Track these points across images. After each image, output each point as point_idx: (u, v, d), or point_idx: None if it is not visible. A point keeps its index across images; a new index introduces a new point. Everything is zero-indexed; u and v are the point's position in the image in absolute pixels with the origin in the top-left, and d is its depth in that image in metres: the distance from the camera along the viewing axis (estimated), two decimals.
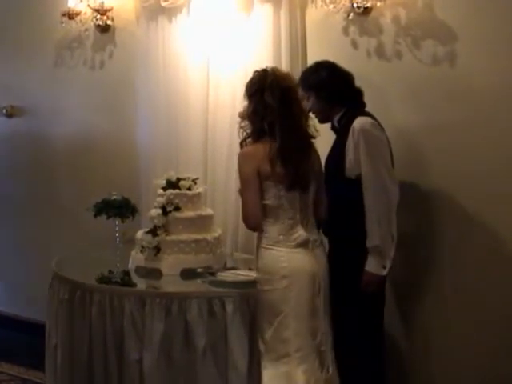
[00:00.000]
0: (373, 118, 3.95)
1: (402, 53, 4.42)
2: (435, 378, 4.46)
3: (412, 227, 4.37)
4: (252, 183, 3.56)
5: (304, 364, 3.58)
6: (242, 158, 3.64)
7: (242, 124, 3.74)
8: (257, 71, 3.73)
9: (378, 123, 3.94)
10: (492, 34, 4.13)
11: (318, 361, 3.63)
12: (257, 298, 3.71)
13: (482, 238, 4.25)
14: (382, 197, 3.81)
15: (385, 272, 3.85)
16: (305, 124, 3.71)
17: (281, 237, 3.60)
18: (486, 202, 4.21)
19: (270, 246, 3.60)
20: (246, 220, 3.63)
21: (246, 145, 3.73)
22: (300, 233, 3.63)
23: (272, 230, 3.61)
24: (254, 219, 3.60)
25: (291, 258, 3.58)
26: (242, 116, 3.74)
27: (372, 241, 3.80)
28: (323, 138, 4.06)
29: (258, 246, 3.68)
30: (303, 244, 3.62)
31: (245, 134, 3.74)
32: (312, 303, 3.61)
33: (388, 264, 3.84)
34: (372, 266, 3.83)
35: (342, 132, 3.97)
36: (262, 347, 3.63)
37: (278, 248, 3.59)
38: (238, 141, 3.78)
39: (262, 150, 3.58)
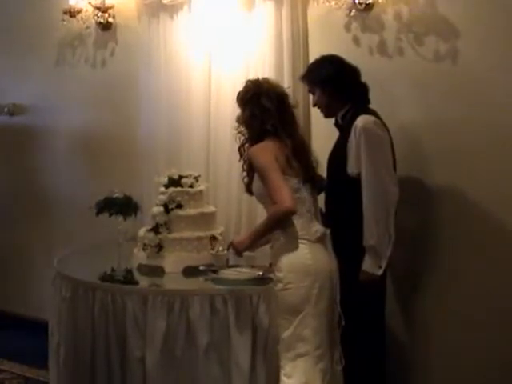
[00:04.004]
0: (376, 116, 3.93)
1: (404, 49, 4.42)
2: (435, 369, 4.48)
3: (414, 223, 4.38)
4: (277, 168, 3.48)
5: (321, 362, 3.54)
6: (258, 151, 3.58)
7: (239, 129, 3.75)
8: (250, 80, 3.78)
9: (382, 121, 3.92)
10: (494, 31, 4.13)
11: (331, 356, 3.62)
12: (274, 297, 3.63)
13: (483, 233, 4.26)
14: (381, 196, 3.79)
15: (380, 272, 3.83)
16: (299, 129, 3.74)
17: (302, 231, 3.55)
18: (489, 198, 4.21)
19: (293, 243, 3.54)
20: (285, 203, 3.41)
21: (245, 150, 3.73)
22: (318, 226, 3.61)
23: (294, 224, 3.54)
24: (293, 201, 3.44)
25: (315, 255, 3.54)
26: (239, 121, 3.74)
27: (368, 240, 3.79)
28: (326, 134, 4.06)
29: (277, 245, 3.61)
30: (322, 238, 3.60)
31: (242, 139, 3.75)
32: (331, 299, 3.58)
33: (384, 264, 3.83)
34: (368, 265, 3.82)
35: (345, 129, 3.95)
36: (278, 347, 3.59)
37: (302, 244, 3.54)
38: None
39: (272, 145, 3.56)
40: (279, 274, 3.59)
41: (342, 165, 3.90)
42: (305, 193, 3.61)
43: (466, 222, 4.30)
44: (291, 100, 3.74)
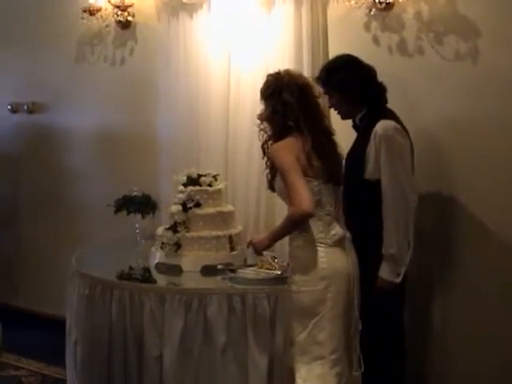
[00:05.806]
0: (396, 118, 3.88)
1: (424, 49, 4.39)
2: (450, 376, 4.46)
3: (431, 226, 4.35)
4: (298, 169, 3.40)
5: (337, 366, 3.50)
6: (280, 150, 3.51)
7: (262, 126, 3.69)
8: (270, 74, 3.69)
9: (401, 125, 3.86)
10: None
11: (348, 360, 3.58)
12: (289, 298, 3.60)
13: (499, 238, 4.23)
14: (401, 205, 3.74)
15: (399, 279, 3.79)
16: (324, 120, 3.67)
17: (320, 235, 3.50)
18: (507, 202, 4.17)
19: (309, 246, 3.49)
20: (302, 206, 3.33)
21: (268, 147, 3.67)
22: (337, 229, 3.55)
23: (311, 227, 3.49)
24: (311, 203, 3.36)
25: (330, 259, 3.49)
26: (261, 118, 3.69)
27: (388, 249, 3.75)
28: (343, 135, 4.04)
29: (293, 246, 3.57)
30: (340, 241, 3.54)
31: (265, 136, 3.70)
32: (347, 303, 3.54)
33: (402, 271, 3.79)
34: (386, 272, 3.78)
35: (363, 132, 3.90)
36: (293, 349, 3.56)
37: (318, 248, 3.49)
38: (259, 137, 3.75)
39: (295, 142, 3.49)
40: (294, 277, 3.57)
41: (359, 168, 3.84)
42: (325, 195, 3.54)
43: (483, 225, 4.26)
44: (315, 90, 3.66)
